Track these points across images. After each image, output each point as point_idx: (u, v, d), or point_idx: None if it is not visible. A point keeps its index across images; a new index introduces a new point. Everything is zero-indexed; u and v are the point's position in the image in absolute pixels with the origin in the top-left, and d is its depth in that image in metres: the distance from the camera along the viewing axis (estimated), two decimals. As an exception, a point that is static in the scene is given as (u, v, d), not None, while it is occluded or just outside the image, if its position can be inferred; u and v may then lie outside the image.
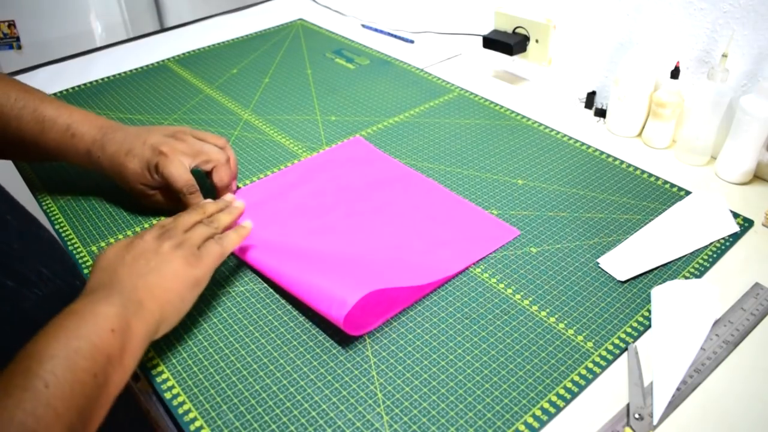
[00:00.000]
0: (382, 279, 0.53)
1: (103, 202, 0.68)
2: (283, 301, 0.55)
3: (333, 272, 0.54)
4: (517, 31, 0.88)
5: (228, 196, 0.60)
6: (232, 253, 0.60)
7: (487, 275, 0.57)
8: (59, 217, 0.66)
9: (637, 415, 0.45)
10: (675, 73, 0.72)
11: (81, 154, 0.63)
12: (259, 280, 0.57)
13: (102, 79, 0.96)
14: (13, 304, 0.41)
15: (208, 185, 0.64)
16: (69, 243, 0.62)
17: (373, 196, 0.67)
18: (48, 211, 0.67)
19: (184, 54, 1.05)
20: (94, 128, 0.63)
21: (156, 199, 0.64)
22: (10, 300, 0.42)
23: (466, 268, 0.58)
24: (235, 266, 0.59)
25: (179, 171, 0.60)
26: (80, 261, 0.60)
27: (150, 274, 0.46)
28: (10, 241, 0.47)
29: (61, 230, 0.64)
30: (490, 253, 0.59)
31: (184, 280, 0.48)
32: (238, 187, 0.69)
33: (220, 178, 0.63)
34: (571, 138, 0.78)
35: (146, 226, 0.64)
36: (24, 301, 0.43)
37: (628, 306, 0.54)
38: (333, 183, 0.69)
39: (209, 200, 0.59)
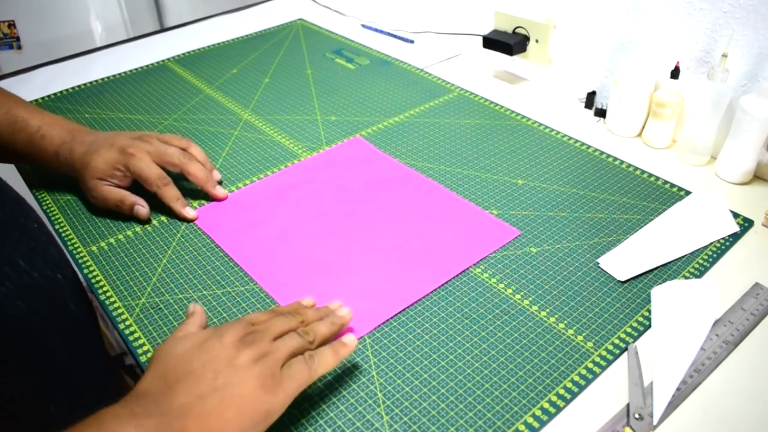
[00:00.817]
0: (388, 299, 0.54)
1: (103, 202, 0.68)
2: (283, 302, 0.55)
3: (341, 291, 0.55)
4: (517, 31, 0.88)
5: (333, 304, 0.50)
6: (227, 255, 0.60)
7: (487, 275, 0.57)
8: (59, 217, 0.66)
9: (637, 415, 0.45)
10: (675, 73, 0.72)
11: (49, 155, 0.64)
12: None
13: (102, 79, 0.96)
14: None
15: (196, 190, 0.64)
16: (69, 243, 0.62)
17: (373, 197, 0.67)
18: (48, 211, 0.67)
19: (184, 54, 1.05)
20: (64, 131, 0.65)
21: (104, 191, 0.63)
22: None
23: (467, 269, 0.58)
24: (234, 266, 0.59)
25: (149, 167, 0.63)
26: (80, 261, 0.60)
27: (212, 395, 0.38)
28: None
29: (61, 230, 0.64)
30: (491, 254, 0.59)
31: (252, 409, 0.39)
32: (238, 187, 0.69)
33: (194, 175, 0.66)
34: (571, 138, 0.78)
35: (146, 226, 0.64)
36: None
37: (628, 306, 0.54)
38: (333, 183, 0.69)
39: (309, 302, 0.51)
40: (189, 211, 0.65)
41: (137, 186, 0.65)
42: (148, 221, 0.65)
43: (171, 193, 0.64)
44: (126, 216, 0.65)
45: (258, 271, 0.58)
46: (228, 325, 0.44)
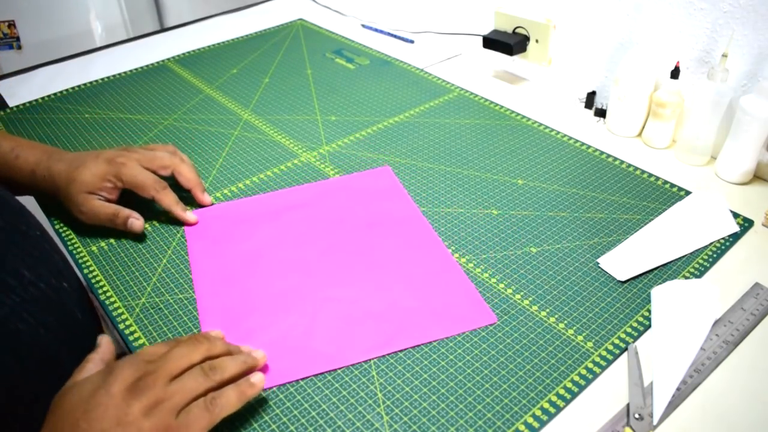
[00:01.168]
0: (311, 357, 0.49)
1: (103, 202, 0.68)
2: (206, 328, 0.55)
3: (272, 332, 0.51)
4: (517, 31, 0.88)
5: (245, 347, 0.47)
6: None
7: (487, 275, 0.57)
8: (59, 218, 0.66)
9: (637, 415, 0.45)
10: (675, 73, 0.72)
11: (24, 174, 0.63)
12: (259, 280, 0.57)
13: (102, 79, 0.96)
14: None
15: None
16: (69, 243, 0.62)
17: (362, 238, 0.61)
18: (48, 211, 0.67)
19: (184, 54, 1.05)
20: (40, 152, 0.63)
21: (96, 206, 0.61)
22: None
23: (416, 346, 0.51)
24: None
25: (143, 173, 0.61)
26: (80, 261, 0.60)
27: None
28: None
29: (60, 230, 0.64)
30: (451, 336, 0.51)
31: None
32: (238, 187, 0.69)
33: (185, 177, 0.64)
34: (571, 138, 0.78)
35: (146, 226, 0.64)
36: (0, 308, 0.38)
37: (628, 306, 0.54)
38: (332, 213, 0.65)
39: (218, 334, 0.48)
40: (190, 215, 0.64)
41: (124, 199, 0.63)
42: (142, 235, 0.63)
43: (170, 198, 0.63)
44: (119, 231, 0.62)
45: (202, 291, 0.56)
46: (119, 366, 0.40)
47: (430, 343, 0.51)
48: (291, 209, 0.65)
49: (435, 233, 0.61)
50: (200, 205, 0.66)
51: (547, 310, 0.54)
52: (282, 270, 0.58)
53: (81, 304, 0.52)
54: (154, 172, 0.63)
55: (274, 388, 0.47)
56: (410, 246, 0.60)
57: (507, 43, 0.87)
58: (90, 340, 0.45)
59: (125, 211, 0.62)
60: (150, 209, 0.64)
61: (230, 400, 0.41)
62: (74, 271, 0.56)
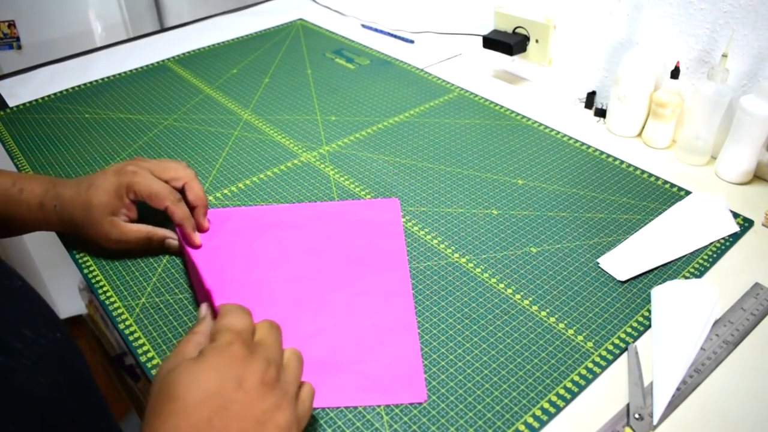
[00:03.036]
0: None
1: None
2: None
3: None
4: (517, 31, 0.88)
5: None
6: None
7: (487, 275, 0.57)
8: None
9: (637, 415, 0.45)
10: (675, 73, 0.72)
11: (32, 208, 0.56)
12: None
13: (102, 79, 0.96)
14: (3, 381, 0.33)
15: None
16: (69, 243, 0.62)
17: (340, 271, 0.57)
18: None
19: (184, 54, 1.05)
20: (43, 182, 0.58)
21: (126, 231, 0.57)
22: None
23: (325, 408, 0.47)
24: (235, 266, 0.59)
25: (157, 182, 0.57)
26: (80, 261, 0.60)
27: None
28: None
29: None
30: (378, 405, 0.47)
31: None
32: (238, 187, 0.69)
33: (195, 194, 0.60)
34: (571, 138, 0.78)
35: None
36: (14, 376, 0.35)
37: (628, 306, 0.54)
38: (319, 239, 0.61)
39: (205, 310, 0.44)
40: (196, 237, 0.59)
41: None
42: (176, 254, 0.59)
43: (184, 211, 0.58)
44: (153, 253, 0.59)
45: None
46: (246, 356, 0.37)
47: (430, 342, 0.51)
48: (281, 227, 0.63)
49: (410, 286, 0.56)
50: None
51: (547, 310, 0.54)
52: (242, 285, 0.56)
53: (74, 350, 0.46)
54: (167, 183, 0.59)
55: (274, 388, 0.47)
56: (379, 293, 0.55)
57: (507, 43, 0.87)
58: (93, 388, 0.42)
59: (160, 232, 0.58)
60: (147, 209, 0.64)
61: (311, 391, 0.41)
62: (57, 315, 0.47)
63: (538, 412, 0.45)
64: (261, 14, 1.21)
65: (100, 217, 0.55)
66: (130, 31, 1.49)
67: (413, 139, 0.78)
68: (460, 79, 0.93)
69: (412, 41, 1.06)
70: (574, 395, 0.46)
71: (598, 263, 0.58)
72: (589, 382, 0.47)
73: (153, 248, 0.59)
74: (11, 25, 1.32)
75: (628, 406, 0.46)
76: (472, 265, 0.58)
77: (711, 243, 0.61)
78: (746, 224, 0.63)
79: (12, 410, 0.32)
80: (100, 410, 0.43)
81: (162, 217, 0.59)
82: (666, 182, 0.69)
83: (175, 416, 0.34)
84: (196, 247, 0.59)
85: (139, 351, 0.51)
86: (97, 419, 0.42)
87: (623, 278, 0.56)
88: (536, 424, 0.44)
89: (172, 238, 0.59)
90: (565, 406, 0.46)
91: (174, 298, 0.56)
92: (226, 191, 0.69)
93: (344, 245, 0.60)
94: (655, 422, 0.44)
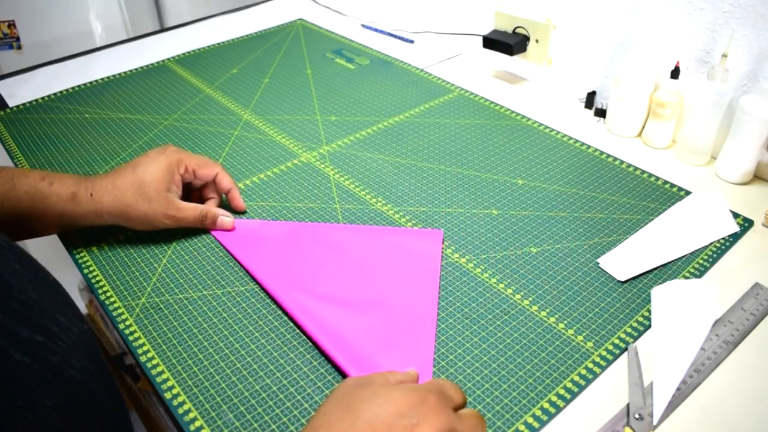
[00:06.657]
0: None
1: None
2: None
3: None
4: (517, 31, 0.88)
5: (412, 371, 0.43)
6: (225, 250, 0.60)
7: (487, 275, 0.57)
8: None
9: (637, 415, 0.45)
10: (675, 73, 0.72)
11: (63, 198, 0.56)
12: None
13: (102, 79, 0.96)
14: (42, 359, 0.35)
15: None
16: (69, 243, 0.62)
17: (371, 285, 0.57)
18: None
19: (184, 54, 1.05)
20: (72, 176, 0.58)
21: (183, 207, 0.58)
22: (39, 356, 0.38)
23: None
24: (234, 265, 0.59)
25: (201, 156, 0.60)
26: (80, 261, 0.60)
27: None
28: (27, 291, 0.43)
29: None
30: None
31: None
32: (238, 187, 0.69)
33: (229, 180, 0.63)
34: (571, 138, 0.78)
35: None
36: (52, 355, 0.40)
37: (628, 306, 0.54)
38: (347, 260, 0.60)
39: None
40: (242, 201, 0.64)
41: None
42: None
43: (231, 178, 0.63)
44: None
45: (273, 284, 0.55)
46: (434, 408, 0.36)
47: (430, 343, 0.51)
48: (322, 245, 0.61)
49: (434, 318, 0.53)
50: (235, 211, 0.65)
51: (547, 310, 0.54)
52: (285, 281, 0.56)
53: (97, 345, 0.50)
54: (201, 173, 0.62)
55: (275, 389, 0.47)
56: (404, 308, 0.54)
57: (507, 43, 0.87)
58: (115, 382, 0.44)
59: (214, 210, 0.60)
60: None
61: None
62: (83, 270, 0.53)
63: (538, 412, 0.45)
64: (261, 14, 1.21)
65: (155, 194, 0.56)
66: (130, 31, 1.49)
67: (413, 139, 0.78)
68: (460, 79, 0.93)
69: (412, 41, 1.06)
70: (574, 395, 0.46)
71: (598, 263, 0.58)
72: (589, 382, 0.47)
73: (207, 226, 0.61)
74: (11, 25, 1.32)
75: (628, 406, 0.46)
76: (472, 265, 0.58)
77: (711, 243, 0.61)
78: (746, 224, 0.63)
79: (50, 385, 0.34)
80: (122, 406, 0.45)
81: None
82: (666, 182, 0.69)
83: (342, 423, 0.34)
84: (243, 210, 0.64)
85: (139, 351, 0.51)
86: (120, 413, 0.43)
87: (623, 278, 0.56)
88: (536, 424, 0.44)
89: (226, 215, 0.61)
90: (565, 406, 0.46)
91: (174, 298, 0.56)
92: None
93: (381, 266, 0.59)
94: (655, 422, 0.44)
